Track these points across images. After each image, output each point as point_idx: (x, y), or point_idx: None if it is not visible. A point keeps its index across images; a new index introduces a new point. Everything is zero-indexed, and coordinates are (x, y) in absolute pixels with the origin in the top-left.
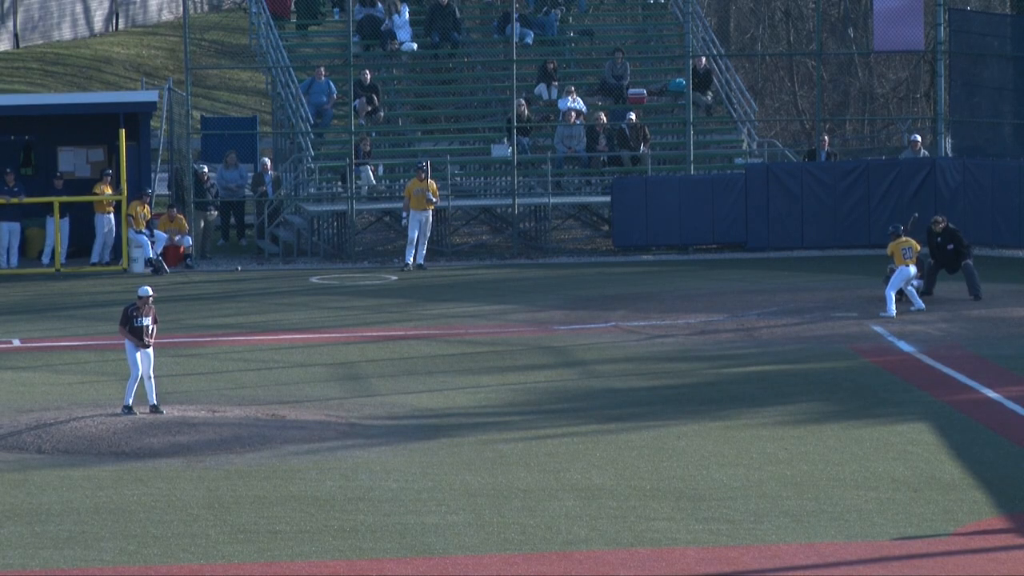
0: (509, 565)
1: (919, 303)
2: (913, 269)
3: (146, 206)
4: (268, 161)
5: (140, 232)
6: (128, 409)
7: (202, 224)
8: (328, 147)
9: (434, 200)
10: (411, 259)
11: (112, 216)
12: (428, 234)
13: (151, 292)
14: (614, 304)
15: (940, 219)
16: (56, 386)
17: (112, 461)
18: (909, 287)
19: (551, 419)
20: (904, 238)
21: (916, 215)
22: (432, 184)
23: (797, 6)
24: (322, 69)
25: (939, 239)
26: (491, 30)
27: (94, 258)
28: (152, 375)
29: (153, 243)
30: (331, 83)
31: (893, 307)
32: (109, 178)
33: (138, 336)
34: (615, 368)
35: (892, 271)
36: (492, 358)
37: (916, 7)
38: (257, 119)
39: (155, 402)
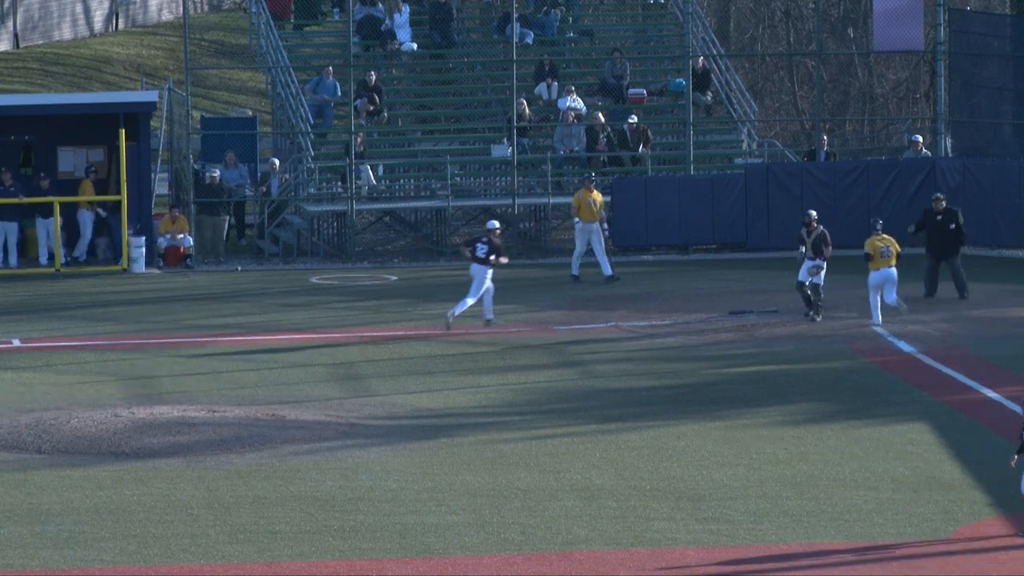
0: (509, 565)
1: (878, 313)
2: (895, 271)
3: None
4: (277, 162)
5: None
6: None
7: (212, 229)
8: (328, 147)
9: (602, 213)
10: (578, 271)
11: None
12: (603, 244)
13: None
14: (614, 304)
15: (941, 196)
16: (56, 386)
17: (112, 461)
18: (877, 295)
19: (551, 419)
20: (884, 235)
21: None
22: (598, 195)
23: (797, 6)
24: (330, 69)
25: (939, 217)
26: (491, 30)
27: (76, 252)
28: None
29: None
30: (337, 84)
31: (879, 313)
32: (93, 175)
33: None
34: (615, 368)
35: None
36: (492, 358)
37: (916, 7)
38: (257, 119)
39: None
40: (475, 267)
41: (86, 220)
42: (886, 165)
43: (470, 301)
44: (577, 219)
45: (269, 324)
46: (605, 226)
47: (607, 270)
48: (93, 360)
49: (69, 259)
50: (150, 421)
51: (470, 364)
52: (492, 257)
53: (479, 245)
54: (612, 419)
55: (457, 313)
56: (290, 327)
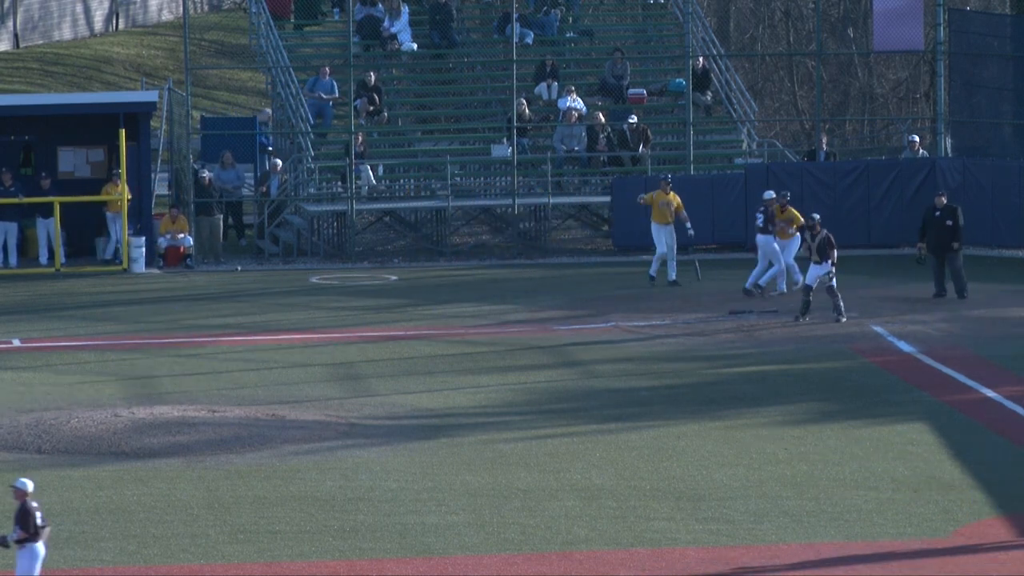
0: (509, 565)
1: (782, 286)
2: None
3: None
4: (279, 162)
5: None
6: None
7: (209, 229)
8: (328, 147)
9: (683, 213)
10: (655, 272)
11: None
12: (675, 248)
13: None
14: (614, 304)
15: (943, 194)
16: (56, 386)
17: (112, 461)
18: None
19: (551, 419)
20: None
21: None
22: (675, 196)
23: (797, 6)
24: (327, 68)
25: (938, 213)
26: (491, 30)
27: (107, 255)
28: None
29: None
30: (334, 82)
31: (797, 275)
32: (117, 179)
33: None
34: (615, 368)
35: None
36: (492, 358)
37: (916, 7)
38: (257, 119)
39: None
40: (759, 238)
41: (115, 223)
42: (886, 165)
43: (774, 272)
44: (653, 222)
45: (269, 324)
46: (688, 226)
47: (672, 274)
48: (93, 360)
49: (104, 259)
50: (150, 421)
51: (470, 364)
52: (769, 225)
53: (758, 215)
54: (612, 419)
55: (781, 286)
56: (290, 327)
